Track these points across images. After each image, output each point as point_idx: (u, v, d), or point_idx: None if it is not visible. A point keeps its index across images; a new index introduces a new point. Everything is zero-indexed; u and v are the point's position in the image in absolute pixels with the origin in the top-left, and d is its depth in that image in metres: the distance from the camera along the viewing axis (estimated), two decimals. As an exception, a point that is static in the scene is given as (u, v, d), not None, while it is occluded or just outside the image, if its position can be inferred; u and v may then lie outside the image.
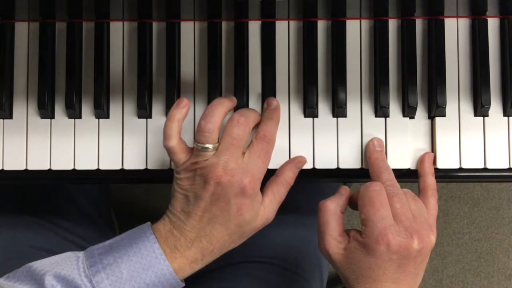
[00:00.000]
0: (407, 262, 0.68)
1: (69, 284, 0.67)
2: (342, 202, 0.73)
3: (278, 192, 0.74)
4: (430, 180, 0.75)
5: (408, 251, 0.67)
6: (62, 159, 0.77)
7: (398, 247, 0.67)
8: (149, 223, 0.72)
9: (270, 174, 0.74)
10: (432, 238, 0.69)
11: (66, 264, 0.69)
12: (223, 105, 0.72)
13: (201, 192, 0.70)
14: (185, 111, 0.72)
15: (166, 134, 0.72)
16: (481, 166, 0.77)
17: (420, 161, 0.76)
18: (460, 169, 0.77)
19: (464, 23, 0.78)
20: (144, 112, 0.77)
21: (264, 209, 0.73)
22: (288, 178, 0.74)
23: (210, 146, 0.70)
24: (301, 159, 0.76)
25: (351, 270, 0.70)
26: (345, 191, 0.74)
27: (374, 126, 0.77)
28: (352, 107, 0.77)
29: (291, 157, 0.77)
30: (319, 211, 0.72)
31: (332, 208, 0.72)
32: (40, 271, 0.68)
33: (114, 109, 0.78)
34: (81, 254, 0.70)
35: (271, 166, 0.75)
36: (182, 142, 0.72)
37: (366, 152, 0.76)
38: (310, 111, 0.77)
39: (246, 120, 0.71)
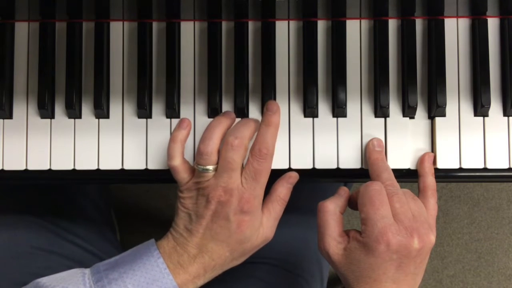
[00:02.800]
0: (407, 262, 0.68)
1: None
2: (341, 203, 0.73)
3: (273, 209, 0.75)
4: (430, 180, 0.75)
5: (408, 250, 0.67)
6: (62, 159, 0.77)
7: (398, 246, 0.67)
8: (153, 240, 0.73)
9: (272, 175, 0.74)
10: (432, 238, 0.69)
11: (73, 280, 0.69)
12: (220, 126, 0.74)
13: (203, 211, 0.71)
14: (187, 131, 0.75)
15: (169, 154, 0.74)
16: (481, 166, 0.77)
17: (420, 161, 0.76)
18: (460, 169, 0.77)
19: (464, 23, 0.78)
20: (144, 112, 0.77)
21: (262, 227, 0.74)
22: (281, 195, 0.75)
23: (210, 167, 0.72)
24: (292, 175, 0.76)
25: (351, 270, 0.70)
26: (344, 191, 0.74)
27: (374, 126, 0.77)
28: (352, 107, 0.77)
29: (291, 156, 0.77)
30: (318, 211, 0.73)
31: (332, 208, 0.72)
32: (47, 286, 0.69)
33: (114, 109, 0.78)
34: (87, 270, 0.71)
35: (272, 166, 0.74)
36: (185, 162, 0.75)
37: (366, 152, 0.76)
38: (310, 111, 0.77)
39: (240, 142, 0.72)
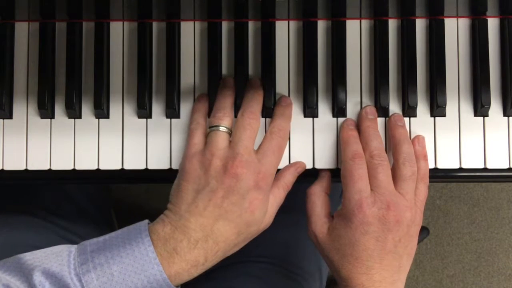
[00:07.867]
0: (384, 236, 0.69)
1: (58, 281, 0.65)
2: (325, 184, 0.75)
3: (278, 195, 0.74)
4: (421, 164, 0.74)
5: (382, 222, 0.68)
6: (62, 159, 0.77)
7: (373, 218, 0.68)
8: (146, 221, 0.70)
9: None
10: (408, 215, 0.69)
11: (57, 259, 0.66)
12: (231, 97, 0.75)
13: (215, 185, 0.68)
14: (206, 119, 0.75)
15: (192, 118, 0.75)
16: (481, 166, 0.77)
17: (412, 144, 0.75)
18: (460, 169, 0.77)
19: (464, 23, 0.78)
20: (144, 112, 0.77)
21: (267, 212, 0.73)
22: (288, 182, 0.75)
23: (223, 128, 0.71)
24: (302, 165, 0.76)
25: (335, 249, 0.71)
26: (325, 173, 0.76)
27: (374, 126, 0.77)
28: (352, 107, 0.77)
29: (291, 155, 0.77)
30: (306, 198, 0.74)
31: (317, 190, 0.74)
32: (29, 265, 0.66)
33: (114, 109, 0.78)
34: (73, 248, 0.68)
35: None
36: (204, 132, 0.73)
37: (358, 120, 0.76)
38: (310, 111, 0.77)
39: (257, 115, 0.73)
